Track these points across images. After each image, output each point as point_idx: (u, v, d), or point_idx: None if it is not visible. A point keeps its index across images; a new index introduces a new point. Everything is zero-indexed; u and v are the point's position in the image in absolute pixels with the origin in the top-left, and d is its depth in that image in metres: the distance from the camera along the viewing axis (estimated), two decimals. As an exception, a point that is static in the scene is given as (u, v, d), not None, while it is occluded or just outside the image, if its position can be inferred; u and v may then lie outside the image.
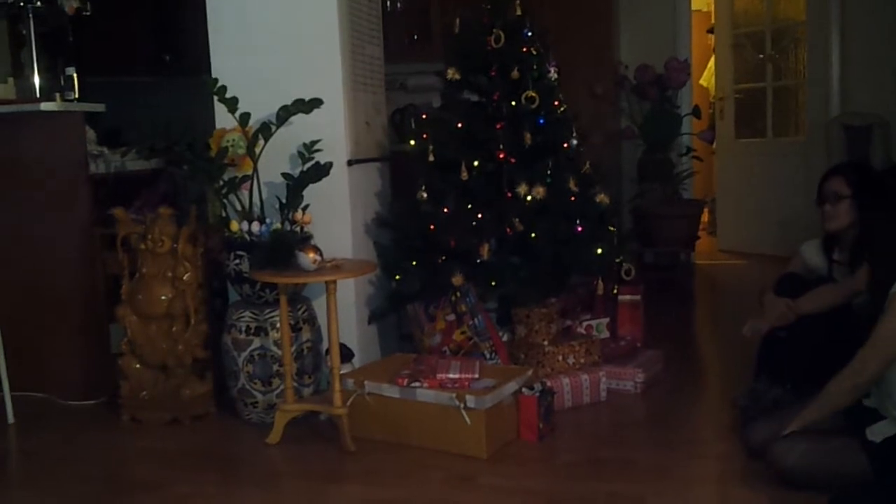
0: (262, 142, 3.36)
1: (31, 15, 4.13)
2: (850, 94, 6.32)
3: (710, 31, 7.95)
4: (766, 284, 3.37)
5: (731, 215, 7.26)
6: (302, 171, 3.35)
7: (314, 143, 3.37)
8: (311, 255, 3.08)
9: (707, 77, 8.33)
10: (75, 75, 4.19)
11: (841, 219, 3.14)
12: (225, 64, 3.62)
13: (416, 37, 5.99)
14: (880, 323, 2.46)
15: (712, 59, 7.90)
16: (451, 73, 3.77)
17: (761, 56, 6.94)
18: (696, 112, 6.31)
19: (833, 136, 6.17)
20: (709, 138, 6.84)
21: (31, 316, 3.78)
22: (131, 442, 3.36)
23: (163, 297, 3.45)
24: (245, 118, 3.35)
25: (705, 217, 7.64)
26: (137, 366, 3.50)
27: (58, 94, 3.93)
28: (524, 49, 3.74)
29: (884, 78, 6.14)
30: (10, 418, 3.51)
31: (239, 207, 3.41)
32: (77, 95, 4.16)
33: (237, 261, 3.35)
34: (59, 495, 2.86)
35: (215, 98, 3.44)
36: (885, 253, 2.57)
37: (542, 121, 3.71)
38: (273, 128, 3.34)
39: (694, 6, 6.87)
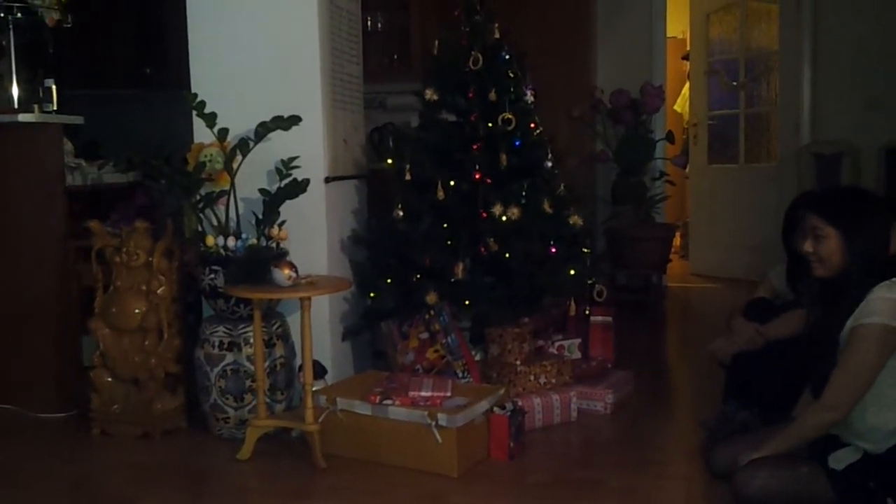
0: (239, 157, 3.37)
1: (10, 26, 4.12)
2: (820, 123, 6.45)
3: (685, 57, 8.08)
4: (735, 308, 3.42)
5: (703, 239, 7.35)
6: (279, 188, 3.37)
7: (292, 159, 3.39)
8: (287, 271, 3.09)
9: (681, 103, 8.46)
10: (54, 87, 4.19)
11: (832, 264, 2.61)
12: (205, 79, 3.64)
13: (395, 56, 6.03)
14: (850, 357, 2.47)
15: (686, 86, 8.03)
16: (430, 94, 3.82)
17: (735, 83, 7.05)
18: (669, 137, 6.40)
19: (804, 164, 6.28)
20: (682, 163, 6.94)
21: (3, 327, 3.75)
22: (101, 456, 3.34)
23: (136, 311, 3.45)
24: (223, 133, 3.37)
25: (677, 241, 7.74)
26: (109, 379, 3.49)
27: (36, 106, 3.92)
28: (502, 72, 3.80)
29: (854, 107, 6.27)
30: (-21, 430, 3.49)
31: (215, 222, 3.42)
32: (55, 107, 4.15)
33: (212, 275, 3.35)
34: (26, 508, 2.84)
35: (194, 113, 3.46)
36: (846, 289, 2.57)
37: (518, 142, 3.77)
38: (251, 143, 3.36)
39: (669, 33, 6.97)
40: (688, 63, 7.86)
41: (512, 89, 3.81)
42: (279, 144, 3.41)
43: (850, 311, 2.50)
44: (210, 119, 3.37)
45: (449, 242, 3.69)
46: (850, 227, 2.54)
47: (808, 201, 3.00)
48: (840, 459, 2.53)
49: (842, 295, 2.55)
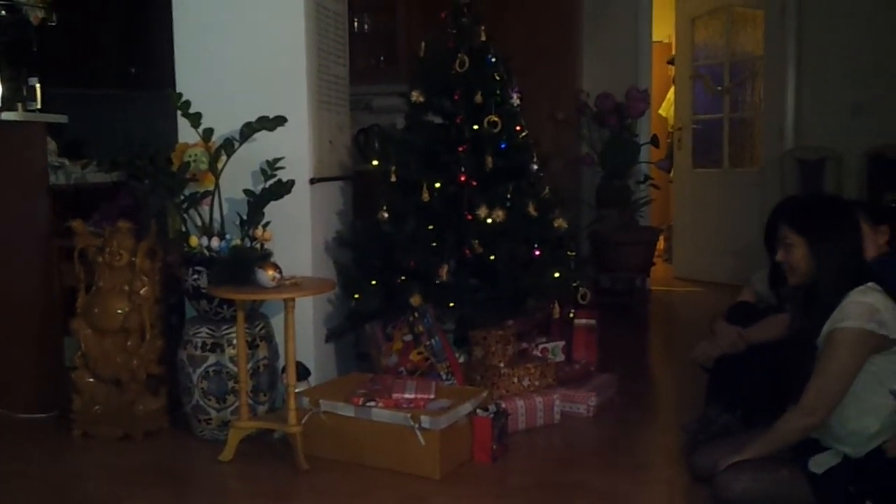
0: (224, 157, 3.36)
1: (-6, 24, 4.10)
2: (804, 128, 6.49)
3: (671, 62, 8.11)
4: (717, 312, 3.44)
5: (686, 243, 7.38)
6: (264, 188, 3.36)
7: (277, 160, 3.38)
8: (271, 272, 3.09)
9: (666, 107, 8.49)
10: (38, 85, 4.16)
11: (800, 271, 2.72)
12: (190, 79, 3.63)
13: (382, 58, 6.03)
14: (826, 361, 2.49)
15: (671, 90, 8.06)
16: (416, 96, 3.82)
17: (719, 88, 7.09)
18: (654, 141, 6.42)
19: (787, 169, 6.32)
20: (666, 167, 6.97)
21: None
22: (82, 457, 3.33)
23: (119, 311, 3.43)
24: (208, 133, 3.36)
25: (661, 244, 7.76)
26: (91, 380, 3.47)
27: (20, 104, 3.90)
28: (488, 74, 3.81)
29: (838, 113, 6.31)
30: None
31: (199, 223, 3.40)
32: (39, 106, 4.13)
33: (195, 276, 3.34)
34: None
35: (179, 112, 3.45)
36: (818, 296, 2.59)
37: (503, 145, 3.77)
38: (236, 144, 3.35)
39: (655, 37, 6.99)
40: (673, 67, 7.89)
41: (498, 92, 3.82)
42: (264, 145, 3.41)
43: (826, 316, 2.52)
44: (195, 119, 3.36)
45: (434, 244, 3.69)
46: (815, 235, 2.57)
47: (782, 209, 3.04)
48: (820, 463, 2.55)
49: (816, 301, 2.57)
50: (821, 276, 2.56)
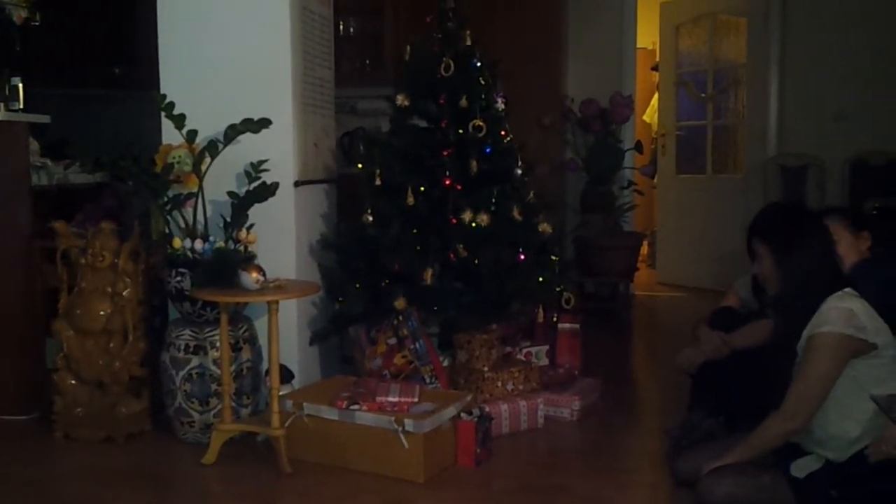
0: (208, 159, 3.35)
1: (-23, 23, 4.07)
2: (787, 135, 6.54)
3: (655, 68, 8.15)
4: (701, 317, 3.45)
5: (670, 248, 7.41)
6: (248, 191, 3.35)
7: (261, 162, 3.37)
8: (254, 274, 3.08)
9: (650, 113, 8.53)
10: (20, 85, 4.13)
11: (773, 281, 2.75)
12: (174, 80, 3.61)
13: (367, 61, 6.03)
14: (806, 366, 2.51)
15: (655, 96, 8.10)
16: (401, 100, 3.82)
17: (703, 95, 7.13)
18: (638, 147, 6.45)
19: (770, 175, 6.36)
20: (650, 173, 7.00)
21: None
22: (64, 459, 3.30)
23: (101, 313, 3.41)
24: (192, 135, 3.35)
25: (645, 249, 7.79)
26: (73, 382, 3.45)
27: (2, 104, 3.87)
28: (473, 79, 3.81)
29: (820, 120, 6.36)
30: (-62, 432, 3.43)
31: (183, 224, 3.39)
32: (22, 105, 4.10)
33: (179, 278, 3.32)
34: (-15, 512, 2.80)
35: (163, 114, 3.43)
36: (793, 304, 2.61)
37: (488, 149, 3.78)
38: (220, 146, 3.34)
39: (639, 44, 7.03)
40: (657, 74, 7.93)
41: (483, 96, 3.82)
42: (249, 147, 3.40)
43: (804, 322, 2.54)
44: (179, 120, 3.35)
45: (418, 248, 3.69)
46: (778, 246, 2.60)
47: (752, 223, 3.04)
48: (802, 467, 2.56)
49: (792, 308, 2.60)
50: (787, 284, 2.59)
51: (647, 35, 7.96)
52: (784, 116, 6.54)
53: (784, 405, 2.55)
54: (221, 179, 3.42)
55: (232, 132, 3.33)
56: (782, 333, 2.68)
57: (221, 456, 3.17)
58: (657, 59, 7.91)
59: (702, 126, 7.16)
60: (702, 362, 3.30)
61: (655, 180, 7.55)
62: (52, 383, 3.48)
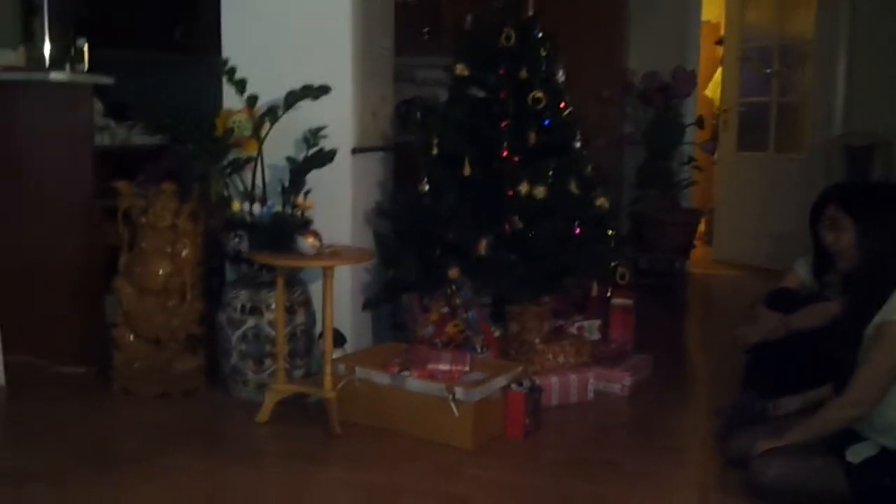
0: (268, 125, 3.38)
1: (44, -16, 4.14)
2: (854, 114, 6.35)
3: (719, 42, 7.97)
4: (757, 296, 3.40)
5: (727, 226, 7.29)
6: (306, 157, 3.37)
7: (320, 129, 3.39)
8: (311, 239, 3.11)
9: (713, 88, 8.36)
10: (86, 47, 4.20)
11: (849, 256, 2.82)
12: (236, 45, 3.64)
13: (427, 30, 6.00)
14: (876, 354, 2.45)
15: (719, 71, 7.94)
16: (460, 69, 3.80)
17: (768, 71, 6.97)
18: (699, 122, 6.34)
19: (834, 155, 6.21)
20: (711, 149, 6.87)
21: (29, 281, 3.80)
22: (120, 412, 3.39)
23: (160, 272, 3.47)
24: (253, 100, 3.38)
25: (702, 227, 7.68)
26: (131, 337, 3.52)
27: (67, 65, 3.94)
28: (534, 50, 3.77)
29: (889, 98, 6.16)
30: (2, 381, 3.53)
31: (241, 188, 3.43)
32: (87, 67, 4.17)
33: (237, 240, 3.37)
34: (44, 461, 2.88)
35: (224, 79, 3.46)
36: (866, 284, 2.55)
37: (547, 122, 3.74)
38: (280, 112, 3.36)
39: (704, 17, 6.89)
40: (721, 48, 7.77)
41: (543, 68, 3.79)
42: (307, 113, 3.42)
43: (872, 306, 2.48)
44: (240, 85, 3.39)
45: (473, 219, 3.68)
46: (867, 221, 2.52)
47: (834, 192, 3.00)
48: (857, 453, 2.51)
49: (865, 290, 2.53)
50: (869, 263, 2.52)
51: (712, 8, 7.77)
52: (851, 94, 6.36)
53: (848, 392, 2.50)
54: (280, 145, 3.44)
55: (292, 98, 3.35)
56: (849, 314, 2.61)
57: (274, 415, 3.22)
58: (722, 32, 7.74)
59: (765, 103, 7.01)
60: (757, 342, 3.26)
61: (716, 157, 7.42)
62: (110, 338, 3.56)
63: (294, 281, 3.47)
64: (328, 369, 3.14)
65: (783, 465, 2.54)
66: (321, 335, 3.27)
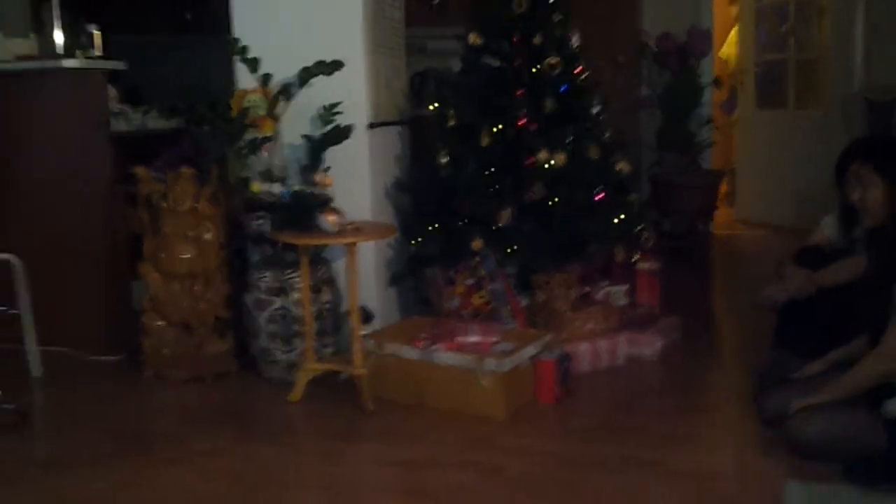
0: (283, 103, 3.36)
1: (53, -29, 4.11)
2: (873, 68, 6.25)
3: (733, 1, 7.86)
4: (785, 255, 3.36)
5: (749, 186, 7.23)
6: (323, 134, 3.35)
7: (335, 105, 3.37)
8: (332, 217, 3.10)
9: (728, 49, 8.25)
10: (97, 32, 4.18)
11: (876, 213, 2.78)
12: (246, 24, 3.61)
13: (436, 0, 5.95)
14: None
15: (734, 31, 7.83)
16: (473, 38, 3.76)
17: (784, 27, 6.86)
18: (717, 82, 6.26)
19: (855, 110, 6.11)
20: (729, 109, 6.79)
21: (56, 272, 3.80)
22: (154, 397, 3.42)
23: (184, 256, 3.48)
24: (266, 79, 3.36)
25: (723, 188, 7.61)
26: (160, 323, 3.53)
27: (79, 51, 3.93)
28: (547, 15, 3.72)
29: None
30: (37, 371, 3.56)
31: (260, 168, 3.41)
32: (99, 53, 4.15)
33: (259, 221, 3.36)
34: (81, 447, 2.91)
35: (236, 58, 3.44)
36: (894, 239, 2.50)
37: (564, 88, 3.70)
38: (294, 89, 3.34)
39: (717, -25, 6.80)
40: (735, 7, 7.66)
41: (557, 33, 3.74)
42: (322, 90, 3.40)
43: None
44: (253, 64, 3.37)
45: (493, 189, 3.65)
46: (894, 176, 2.48)
47: (859, 148, 2.96)
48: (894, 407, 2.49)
49: (893, 244, 2.49)
50: (894, 218, 2.48)
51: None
52: (870, 48, 6.25)
53: (883, 344, 2.47)
54: (296, 123, 3.43)
55: (305, 75, 3.33)
56: (876, 269, 2.58)
57: (305, 394, 3.23)
58: (735, -9, 7.63)
59: (782, 60, 6.91)
60: (786, 300, 3.23)
61: (735, 116, 7.33)
62: (139, 325, 3.57)
63: (318, 259, 3.46)
64: (357, 346, 3.14)
65: (823, 421, 2.52)
66: (348, 312, 3.26)
